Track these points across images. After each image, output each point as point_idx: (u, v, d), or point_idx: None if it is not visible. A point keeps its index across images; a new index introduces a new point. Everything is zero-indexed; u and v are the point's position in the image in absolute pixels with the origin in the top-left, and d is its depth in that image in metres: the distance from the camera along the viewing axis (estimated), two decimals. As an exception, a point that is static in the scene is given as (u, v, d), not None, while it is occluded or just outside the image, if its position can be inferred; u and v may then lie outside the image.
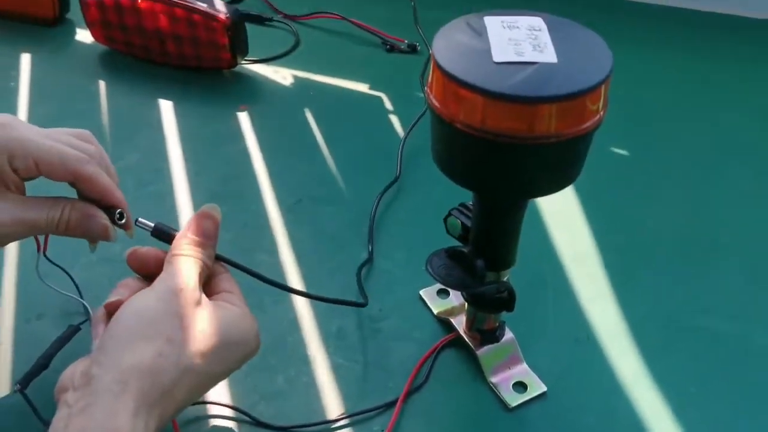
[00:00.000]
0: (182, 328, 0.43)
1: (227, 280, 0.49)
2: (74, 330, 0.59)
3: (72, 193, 0.52)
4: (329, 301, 0.60)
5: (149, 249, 0.49)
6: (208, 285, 0.49)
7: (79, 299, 0.62)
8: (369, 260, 0.68)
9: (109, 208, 0.51)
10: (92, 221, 0.50)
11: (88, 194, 0.50)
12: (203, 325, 0.44)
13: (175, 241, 0.48)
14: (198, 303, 0.45)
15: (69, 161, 0.48)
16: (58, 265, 0.61)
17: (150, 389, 0.41)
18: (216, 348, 0.44)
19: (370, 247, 0.69)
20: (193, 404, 0.55)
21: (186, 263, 0.46)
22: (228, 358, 0.45)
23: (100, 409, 0.40)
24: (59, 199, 0.50)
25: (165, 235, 0.50)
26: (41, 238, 0.55)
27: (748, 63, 0.99)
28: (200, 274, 0.47)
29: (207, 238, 0.48)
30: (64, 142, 0.49)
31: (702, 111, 0.90)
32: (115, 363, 0.41)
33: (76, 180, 0.49)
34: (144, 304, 0.44)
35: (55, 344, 0.58)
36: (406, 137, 0.82)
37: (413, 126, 0.83)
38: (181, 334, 0.43)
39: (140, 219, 0.51)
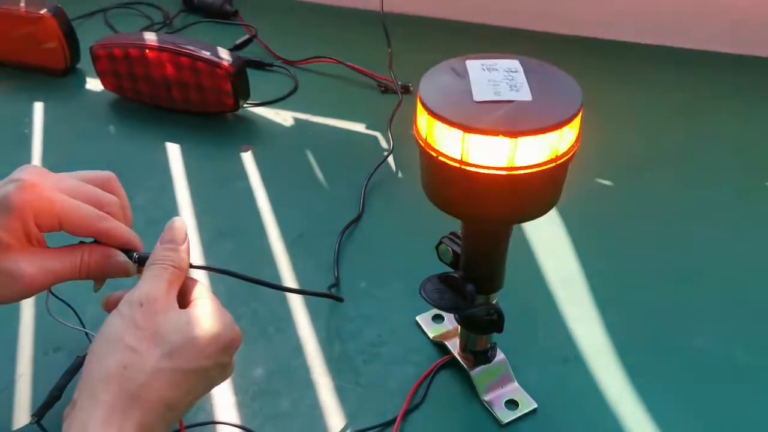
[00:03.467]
0: (144, 337, 0.46)
1: (198, 289, 0.52)
2: (82, 361, 0.63)
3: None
4: (308, 293, 0.69)
5: (121, 292, 0.52)
6: (181, 296, 0.51)
7: (88, 331, 0.65)
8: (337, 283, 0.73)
9: (127, 252, 0.55)
10: (110, 261, 0.54)
11: (107, 243, 0.54)
12: (166, 327, 0.47)
13: (150, 256, 0.52)
14: (159, 308, 0.47)
15: (89, 221, 0.52)
16: (63, 300, 0.63)
17: (117, 398, 0.44)
18: (181, 347, 0.46)
19: (336, 273, 0.74)
20: (204, 423, 0.59)
21: (153, 270, 0.50)
22: (199, 354, 0.47)
23: (75, 427, 0.44)
24: (77, 246, 0.54)
25: (144, 260, 0.53)
26: None
27: (724, 97, 1.04)
28: (170, 279, 0.49)
29: (174, 243, 0.52)
30: (88, 194, 0.53)
31: (681, 142, 0.95)
32: (87, 383, 0.45)
33: (95, 237, 0.53)
34: (108, 324, 0.48)
35: (66, 376, 0.61)
36: (370, 177, 0.86)
37: (377, 167, 0.88)
38: (144, 343, 0.46)
39: (135, 254, 0.54)
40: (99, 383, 0.45)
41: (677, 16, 1.14)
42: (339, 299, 0.69)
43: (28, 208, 0.50)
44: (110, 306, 0.51)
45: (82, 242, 0.54)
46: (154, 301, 0.48)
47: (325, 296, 0.69)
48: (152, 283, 0.49)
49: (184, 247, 0.52)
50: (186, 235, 0.53)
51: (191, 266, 0.52)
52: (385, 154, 0.90)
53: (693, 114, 1.01)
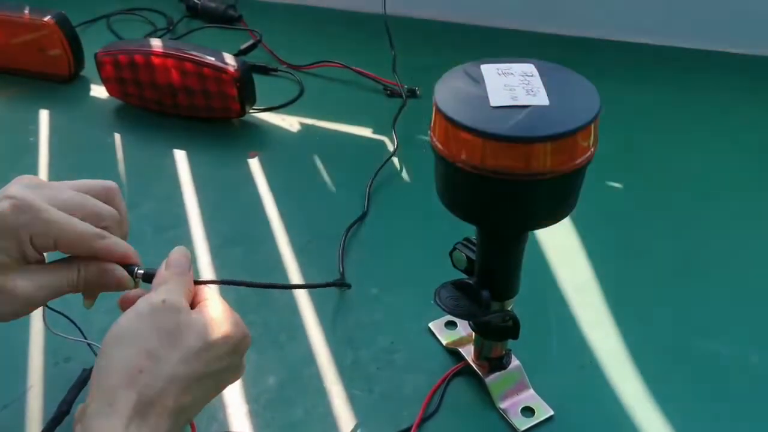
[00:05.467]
0: (161, 340, 0.46)
1: (205, 291, 0.52)
2: (89, 374, 0.62)
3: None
4: (314, 286, 0.70)
5: (137, 290, 0.52)
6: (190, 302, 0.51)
7: (91, 342, 0.64)
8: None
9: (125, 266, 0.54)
10: (107, 274, 0.53)
11: (104, 259, 0.53)
12: (183, 331, 0.46)
13: (157, 275, 0.51)
14: (179, 312, 0.47)
15: (85, 241, 0.51)
16: (60, 312, 0.61)
17: (136, 403, 0.44)
18: (198, 351, 0.46)
19: (341, 268, 0.72)
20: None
21: (170, 281, 0.50)
22: (213, 357, 0.47)
23: None
24: (72, 260, 0.53)
25: (151, 277, 0.52)
26: None
27: (737, 98, 1.04)
28: (185, 292, 0.49)
29: (183, 270, 0.51)
30: (86, 209, 0.52)
31: (689, 143, 0.94)
32: (102, 388, 0.44)
33: (92, 255, 0.52)
34: (124, 323, 0.47)
35: (73, 390, 0.61)
36: (373, 178, 0.86)
37: (381, 167, 0.88)
38: (161, 348, 0.45)
39: (137, 270, 0.53)
40: (115, 389, 0.44)
41: (691, 16, 1.13)
42: (346, 286, 0.68)
43: (22, 229, 0.49)
44: (127, 304, 0.50)
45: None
46: (173, 304, 0.47)
47: (331, 285, 0.68)
48: (170, 290, 0.49)
49: (190, 272, 0.52)
50: (190, 262, 0.53)
51: (196, 282, 0.52)
52: (389, 156, 0.90)
53: (705, 115, 1.00)
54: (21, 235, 0.49)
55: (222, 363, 0.48)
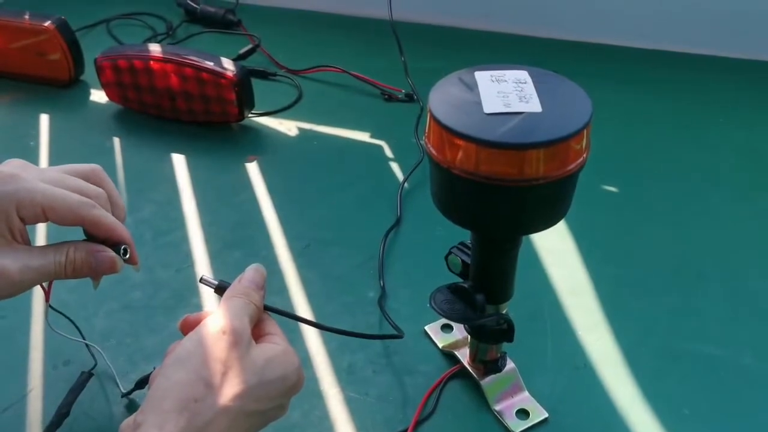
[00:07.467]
0: (220, 372, 0.46)
1: (271, 324, 0.52)
2: (87, 376, 0.63)
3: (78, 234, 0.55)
4: (369, 337, 0.66)
5: (199, 314, 0.52)
6: (254, 329, 0.51)
7: (89, 343, 0.64)
8: (383, 295, 0.72)
9: (115, 245, 0.54)
10: (97, 257, 0.53)
11: (95, 235, 0.53)
12: (242, 366, 0.46)
13: (229, 288, 0.51)
14: (241, 343, 0.47)
15: (74, 208, 0.51)
16: (61, 313, 0.63)
17: (183, 429, 0.44)
18: (252, 388, 0.46)
19: (381, 282, 0.73)
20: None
21: (238, 303, 0.49)
22: (265, 396, 0.47)
23: None
24: (62, 243, 0.52)
25: (223, 290, 0.52)
26: (47, 286, 0.57)
27: (729, 101, 1.04)
28: (251, 315, 0.50)
29: (257, 286, 0.52)
30: (72, 186, 0.52)
31: (685, 148, 0.95)
32: (155, 409, 0.45)
33: (81, 224, 0.52)
34: (186, 347, 0.47)
35: (72, 393, 0.62)
36: (404, 183, 0.87)
37: (411, 173, 0.88)
38: (219, 378, 0.45)
39: (204, 277, 0.53)
40: (169, 414, 0.44)
41: (682, 21, 1.14)
42: (399, 337, 0.65)
43: (8, 198, 0.49)
44: (187, 328, 0.50)
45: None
46: (237, 334, 0.47)
47: (385, 338, 0.68)
48: (236, 315, 0.48)
49: (263, 291, 0.52)
50: (265, 281, 0.53)
51: (266, 308, 0.52)
52: (417, 164, 0.90)
53: (699, 119, 1.01)
54: (7, 206, 0.49)
55: (273, 403, 0.48)
